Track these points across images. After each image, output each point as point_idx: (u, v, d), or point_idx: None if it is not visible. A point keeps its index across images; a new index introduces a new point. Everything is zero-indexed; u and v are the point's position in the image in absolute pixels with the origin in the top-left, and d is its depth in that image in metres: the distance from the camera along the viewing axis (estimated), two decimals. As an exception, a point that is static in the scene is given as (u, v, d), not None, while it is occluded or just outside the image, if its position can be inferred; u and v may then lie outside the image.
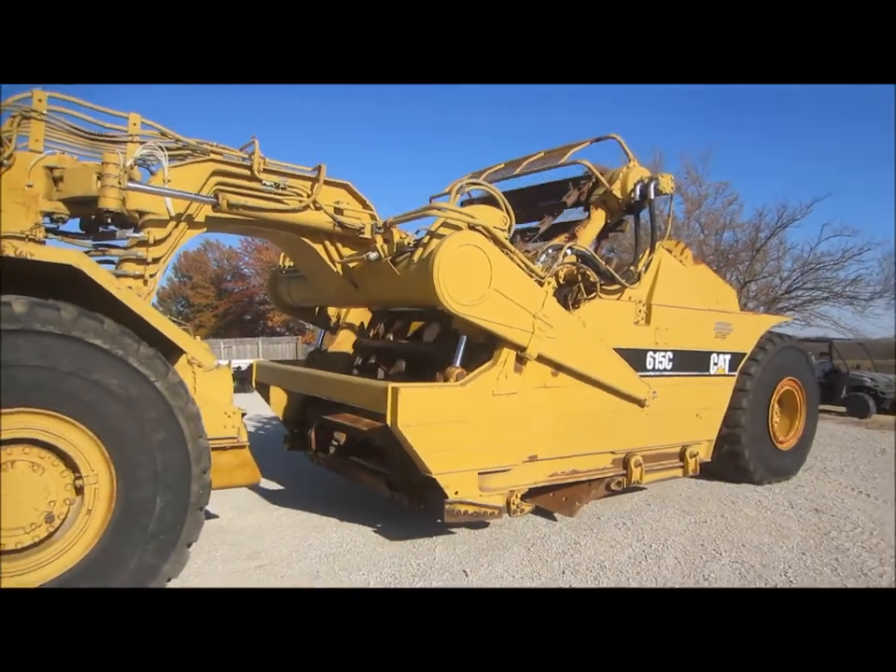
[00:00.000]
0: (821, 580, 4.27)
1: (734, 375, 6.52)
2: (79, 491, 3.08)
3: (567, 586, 4.09)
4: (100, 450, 3.07)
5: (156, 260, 4.12)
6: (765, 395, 6.92)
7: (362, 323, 6.58)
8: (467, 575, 4.20)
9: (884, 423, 13.89)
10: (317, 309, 6.59)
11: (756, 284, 27.35)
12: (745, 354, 6.60)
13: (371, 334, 6.44)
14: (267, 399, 6.20)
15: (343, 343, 6.52)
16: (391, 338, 6.12)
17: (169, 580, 3.33)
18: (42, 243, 3.68)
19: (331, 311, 6.60)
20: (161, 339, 3.35)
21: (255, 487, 6.25)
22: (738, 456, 6.67)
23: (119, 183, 3.64)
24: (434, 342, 5.53)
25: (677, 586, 4.11)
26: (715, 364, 6.28)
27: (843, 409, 15.59)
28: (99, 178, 3.63)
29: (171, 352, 3.48)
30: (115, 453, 3.10)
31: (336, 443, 5.58)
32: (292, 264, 6.24)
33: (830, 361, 16.90)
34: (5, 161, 3.62)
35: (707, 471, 6.69)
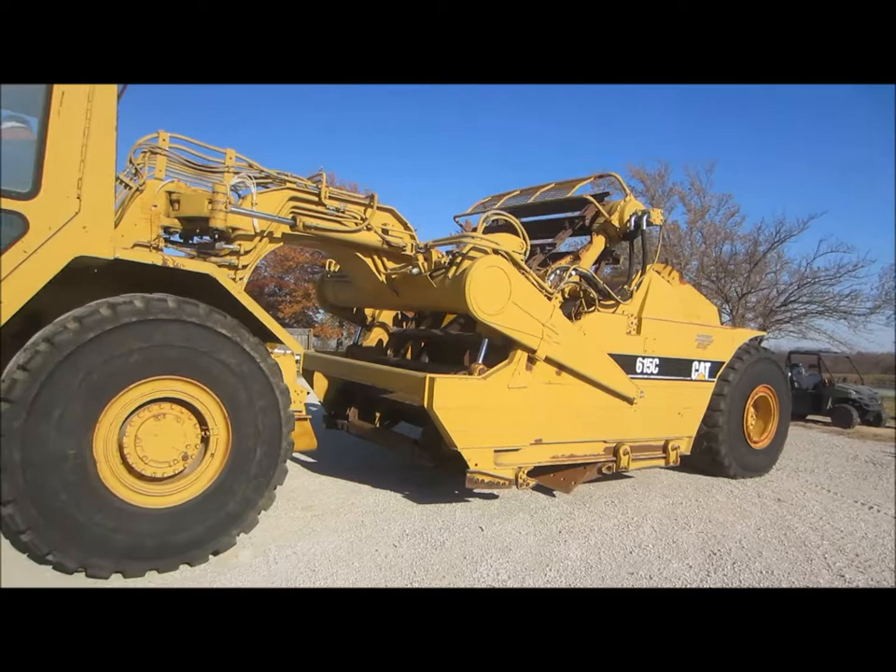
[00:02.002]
0: (768, 547, 5.28)
1: (713, 381, 7.52)
2: (205, 440, 4.16)
3: (571, 586, 4.81)
4: (221, 410, 4.15)
5: (244, 267, 5.16)
6: (741, 399, 7.92)
7: (394, 319, 7.66)
8: (482, 530, 5.25)
9: (865, 433, 14.84)
10: (355, 309, 7.66)
11: (755, 295, 28.17)
12: (723, 362, 7.61)
13: (403, 325, 7.54)
14: (311, 383, 7.25)
15: (375, 339, 7.60)
16: (423, 327, 7.24)
17: (259, 511, 4.40)
18: (160, 250, 4.73)
19: (367, 311, 7.67)
20: (263, 329, 4.41)
21: (299, 458, 7.34)
22: (715, 453, 7.66)
23: (225, 207, 4.69)
24: (458, 333, 6.65)
25: (648, 552, 5.12)
26: (696, 370, 7.30)
27: (828, 419, 16.53)
28: (210, 203, 4.65)
29: (267, 340, 4.54)
30: (231, 413, 4.17)
31: (375, 421, 6.68)
32: (337, 269, 7.32)
33: (819, 373, 17.83)
34: (140, 187, 4.69)
35: (688, 465, 7.72)
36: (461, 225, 8.17)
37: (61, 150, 3.63)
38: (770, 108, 46.98)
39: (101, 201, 3.79)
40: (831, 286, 26.43)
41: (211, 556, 4.21)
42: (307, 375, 7.28)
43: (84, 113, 3.69)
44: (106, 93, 3.78)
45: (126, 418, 3.86)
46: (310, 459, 7.41)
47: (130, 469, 3.89)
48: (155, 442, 3.94)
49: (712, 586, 4.34)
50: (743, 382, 7.88)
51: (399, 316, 7.67)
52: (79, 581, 3.75)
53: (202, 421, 4.13)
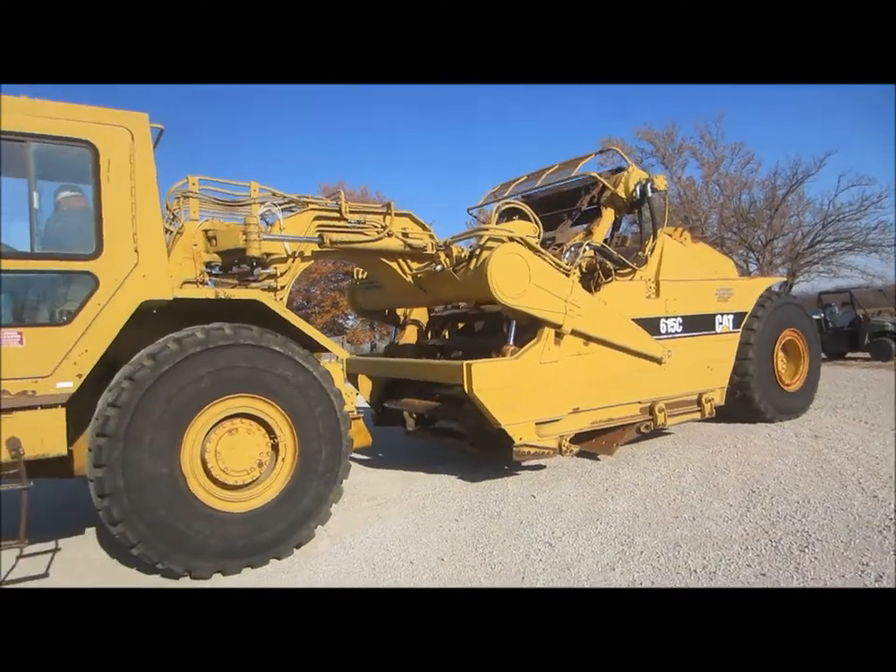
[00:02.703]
0: (804, 480, 5.59)
1: (738, 332, 7.80)
2: (275, 447, 4.65)
3: (621, 534, 4.69)
4: (285, 419, 4.64)
5: (282, 287, 5.62)
6: (769, 345, 8.16)
7: (426, 316, 8.10)
8: (535, 497, 5.66)
9: (907, 363, 14.82)
10: (387, 311, 8.12)
11: (780, 241, 27.89)
12: (746, 312, 7.88)
13: (429, 335, 7.99)
14: (356, 385, 7.73)
15: (410, 336, 8.05)
16: (446, 335, 7.68)
17: (331, 504, 4.88)
18: (206, 283, 5.21)
19: (399, 311, 8.11)
20: (310, 341, 4.88)
21: (355, 455, 7.82)
22: (750, 400, 7.93)
23: (258, 236, 5.14)
24: (478, 335, 7.06)
25: (691, 497, 5.46)
26: (720, 323, 7.59)
27: (867, 355, 16.51)
28: (244, 234, 5.10)
29: (315, 350, 5.01)
30: (294, 420, 4.65)
31: (417, 417, 7.12)
32: (364, 276, 7.77)
33: (853, 310, 17.75)
34: (179, 230, 5.18)
35: (727, 416, 8.02)
36: (475, 216, 8.57)
37: (114, 211, 4.13)
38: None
39: (154, 249, 4.29)
40: (857, 220, 26.02)
41: (295, 549, 4.70)
42: (351, 378, 7.74)
43: (129, 175, 4.19)
44: (145, 152, 4.26)
45: (205, 436, 4.36)
46: (365, 456, 7.89)
47: (214, 481, 4.40)
48: (233, 454, 4.44)
49: (751, 521, 4.69)
50: (768, 328, 8.12)
51: (429, 315, 8.12)
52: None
53: (270, 431, 4.62)
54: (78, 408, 4.18)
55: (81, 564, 4.84)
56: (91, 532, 5.59)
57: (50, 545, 5.09)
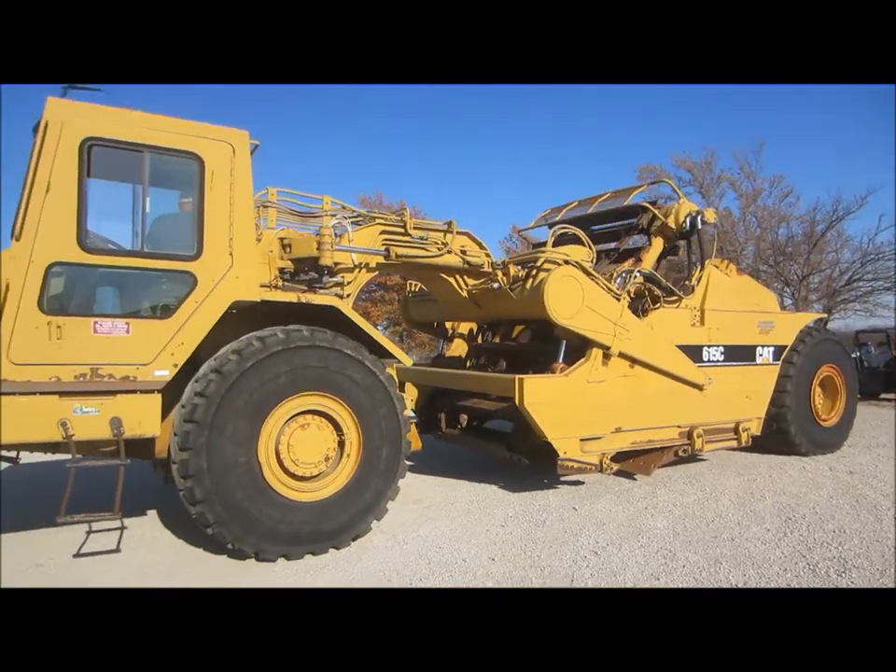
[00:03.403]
0: (840, 512, 5.77)
1: (777, 364, 7.99)
2: (341, 444, 4.98)
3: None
4: (352, 418, 4.97)
5: (348, 296, 5.98)
6: (807, 380, 8.34)
7: (470, 331, 8.41)
8: (576, 510, 5.91)
9: (943, 408, 14.70)
10: (436, 323, 8.45)
11: (816, 276, 27.73)
12: (787, 346, 8.07)
13: (479, 339, 8.28)
14: (402, 392, 8.05)
15: (457, 349, 8.37)
16: (497, 340, 7.96)
17: (388, 501, 5.19)
18: (279, 288, 5.56)
19: (447, 325, 8.44)
20: (379, 348, 5.22)
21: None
22: (785, 432, 8.10)
23: (331, 246, 5.49)
24: (529, 342, 7.34)
25: (728, 519, 5.67)
26: (760, 355, 7.79)
27: (904, 396, 16.39)
28: (318, 244, 5.45)
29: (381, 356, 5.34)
30: (360, 420, 4.99)
31: (461, 425, 7.41)
32: (417, 289, 8.13)
33: (889, 351, 17.64)
34: (258, 237, 5.56)
35: (761, 446, 8.19)
36: (525, 238, 8.88)
37: (214, 218, 4.53)
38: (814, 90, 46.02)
39: (247, 254, 4.67)
40: (896, 260, 25.82)
41: (352, 541, 5.01)
42: (399, 386, 8.08)
43: (229, 185, 4.59)
44: (243, 166, 4.67)
45: (280, 429, 4.71)
46: (410, 461, 8.18)
47: (286, 471, 4.74)
48: (303, 448, 4.78)
49: (788, 546, 4.89)
50: (807, 363, 8.30)
51: (475, 330, 8.42)
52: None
53: (337, 428, 4.96)
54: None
55: (149, 542, 5.20)
56: (152, 513, 5.97)
57: (117, 523, 5.44)
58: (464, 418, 7.46)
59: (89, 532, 5.24)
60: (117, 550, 4.89)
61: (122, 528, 5.21)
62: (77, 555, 4.84)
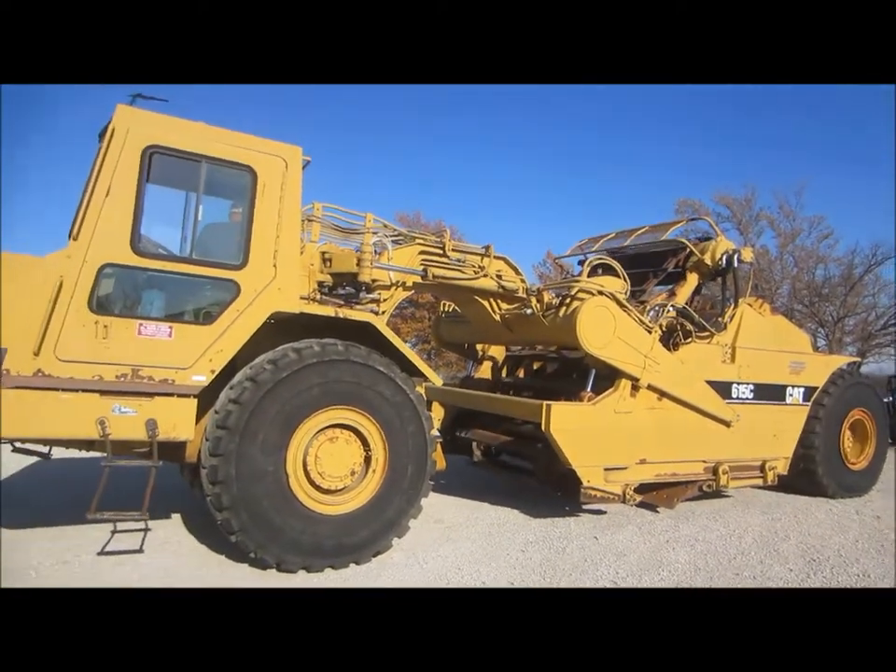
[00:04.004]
0: (865, 556, 5.67)
1: (807, 405, 7.90)
2: (367, 459, 5.04)
3: (682, 584, 5.00)
4: (380, 434, 5.04)
5: (384, 312, 6.06)
6: (837, 422, 8.23)
7: (494, 364, 8.46)
8: (597, 539, 5.89)
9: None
10: (466, 345, 8.52)
11: (852, 319, 27.39)
12: (817, 387, 7.99)
13: (503, 372, 8.34)
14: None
15: (486, 371, 8.42)
16: (521, 374, 8.04)
17: (410, 519, 5.22)
18: (316, 301, 5.65)
19: (478, 346, 8.50)
20: (411, 366, 5.29)
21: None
22: (813, 473, 7.99)
23: (371, 263, 5.58)
24: (550, 377, 7.39)
25: (751, 557, 5.60)
26: (790, 395, 7.72)
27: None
28: (358, 260, 5.55)
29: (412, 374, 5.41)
30: (388, 436, 5.05)
31: (487, 449, 7.45)
32: (449, 310, 8.21)
33: (919, 397, 17.28)
34: (301, 250, 5.68)
35: (787, 486, 8.09)
36: (562, 266, 8.95)
37: (262, 229, 4.65)
38: (859, 133, 45.77)
39: (290, 266, 4.79)
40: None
41: (372, 557, 5.05)
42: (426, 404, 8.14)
43: (279, 199, 4.72)
44: (294, 181, 4.80)
45: (309, 441, 4.78)
46: (432, 481, 8.21)
47: (312, 483, 4.80)
48: (331, 461, 4.85)
49: (812, 586, 4.82)
50: (838, 405, 8.20)
51: (500, 363, 8.49)
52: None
53: (365, 443, 5.02)
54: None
55: (172, 545, 5.29)
56: (176, 517, 6.07)
57: (141, 525, 5.51)
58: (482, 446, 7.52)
59: (114, 531, 5.33)
60: (140, 550, 4.97)
61: (146, 530, 5.29)
62: (101, 553, 4.93)
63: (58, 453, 5.44)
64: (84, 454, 5.27)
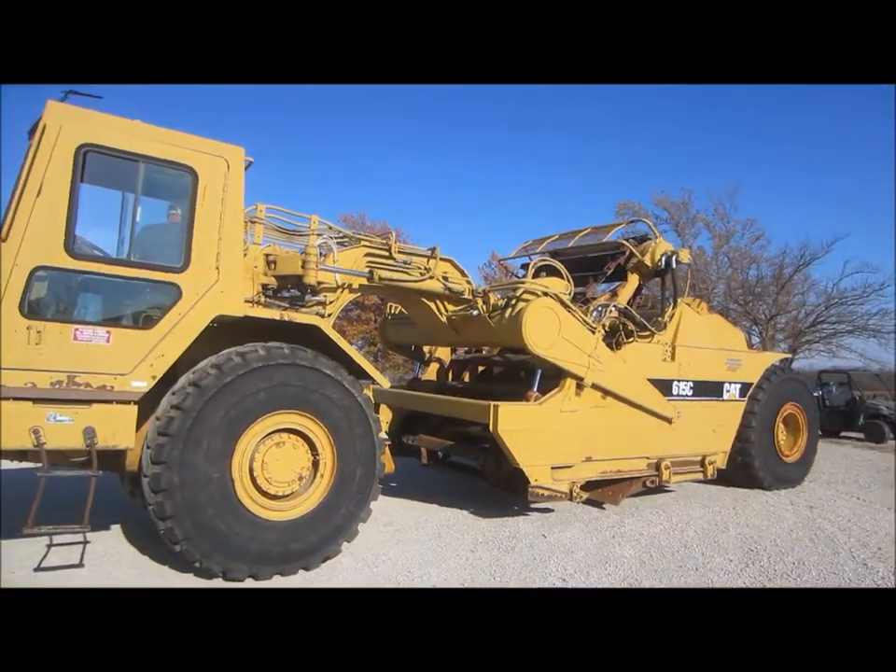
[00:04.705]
0: (799, 545, 5.93)
1: (743, 400, 8.20)
2: (315, 463, 4.98)
3: (629, 578, 5.08)
4: (328, 438, 4.98)
5: (329, 315, 6.00)
6: (771, 416, 8.56)
7: (441, 366, 8.49)
8: (545, 537, 5.96)
9: (898, 448, 15.16)
10: (413, 347, 8.51)
11: (783, 317, 28.52)
12: (752, 383, 8.29)
13: (449, 375, 8.38)
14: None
15: (432, 373, 8.43)
16: (466, 378, 8.10)
17: (359, 522, 5.18)
18: (261, 304, 5.56)
19: (425, 348, 8.50)
20: (358, 369, 5.25)
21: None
22: (749, 466, 8.29)
23: (316, 265, 5.52)
24: (495, 380, 7.48)
25: (693, 550, 5.77)
26: (727, 391, 7.99)
27: (861, 435, 16.87)
28: (303, 262, 5.48)
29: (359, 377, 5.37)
30: (336, 440, 5.00)
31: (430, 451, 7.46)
32: (397, 312, 8.19)
33: (850, 391, 18.16)
34: (245, 253, 5.58)
35: (725, 480, 8.36)
36: (507, 267, 9.04)
37: (204, 231, 4.55)
38: (791, 138, 48.04)
39: (233, 269, 4.70)
40: (859, 305, 26.75)
41: (321, 562, 4.99)
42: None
43: (220, 201, 4.62)
44: (236, 182, 4.71)
45: (255, 446, 4.70)
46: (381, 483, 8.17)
47: (258, 489, 4.71)
48: (277, 466, 4.77)
49: (750, 576, 5.01)
50: (771, 400, 8.54)
51: (446, 366, 8.53)
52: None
53: (312, 447, 4.96)
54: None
55: (113, 557, 5.11)
56: (116, 528, 5.87)
57: (79, 537, 5.32)
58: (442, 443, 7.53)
59: (49, 545, 5.13)
60: (80, 564, 4.80)
61: (85, 542, 5.12)
62: (39, 569, 4.73)
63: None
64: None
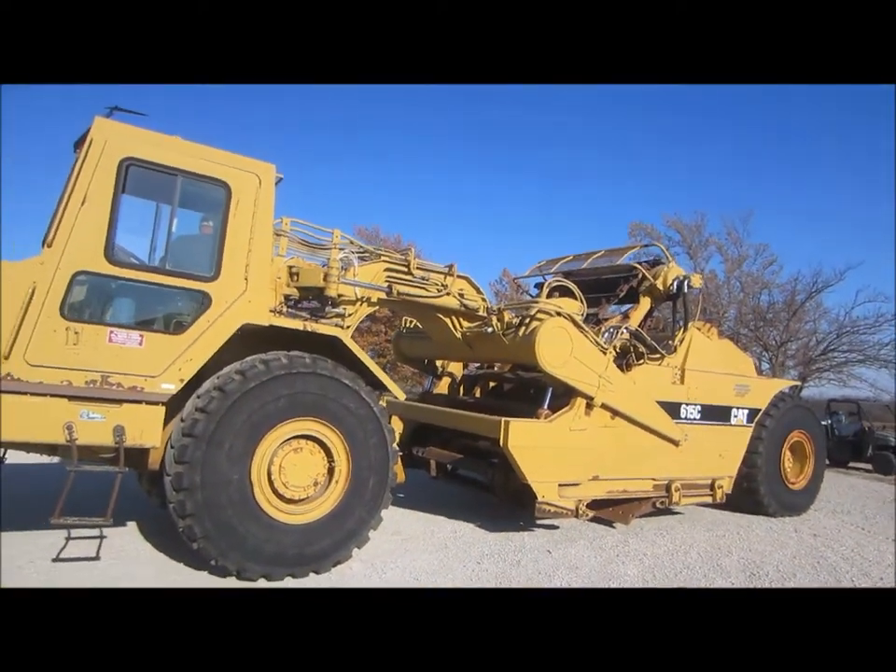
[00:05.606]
0: (802, 571, 6.01)
1: (751, 426, 8.29)
2: (330, 470, 5.14)
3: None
4: (343, 446, 5.15)
5: (348, 327, 6.18)
6: (778, 443, 8.64)
7: (452, 381, 8.66)
8: (550, 553, 6.08)
9: (907, 480, 15.11)
10: (426, 360, 8.69)
11: (794, 344, 28.47)
12: (760, 409, 8.39)
13: (460, 390, 8.54)
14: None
15: (444, 387, 8.61)
16: (477, 393, 8.26)
17: (370, 529, 5.34)
18: (283, 314, 5.76)
19: (437, 362, 8.67)
20: (375, 380, 5.42)
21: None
22: (755, 492, 8.37)
23: (337, 278, 5.72)
24: (506, 397, 7.63)
25: (696, 571, 5.88)
26: (735, 416, 8.09)
27: (869, 466, 16.81)
28: (325, 275, 5.68)
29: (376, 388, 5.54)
30: (351, 448, 5.17)
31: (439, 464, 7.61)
32: (412, 326, 8.37)
33: (859, 421, 18.10)
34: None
35: (730, 505, 8.43)
36: (520, 285, 9.22)
37: (235, 242, 4.77)
38: (810, 166, 48.26)
39: (260, 279, 4.91)
40: (871, 335, 26.71)
41: (332, 567, 5.14)
42: (385, 419, 8.27)
43: (251, 215, 4.84)
44: (267, 197, 4.93)
45: (274, 451, 4.87)
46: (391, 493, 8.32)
47: (275, 492, 4.88)
48: (294, 471, 4.94)
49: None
50: (779, 427, 8.62)
51: (458, 380, 8.70)
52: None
53: (328, 454, 5.13)
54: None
55: (129, 553, 5.28)
56: (132, 525, 6.05)
57: (95, 532, 5.48)
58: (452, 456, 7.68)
59: (68, 538, 5.30)
60: (96, 558, 4.96)
61: (102, 537, 5.29)
62: (57, 560, 4.91)
63: (12, 457, 5.40)
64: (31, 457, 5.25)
